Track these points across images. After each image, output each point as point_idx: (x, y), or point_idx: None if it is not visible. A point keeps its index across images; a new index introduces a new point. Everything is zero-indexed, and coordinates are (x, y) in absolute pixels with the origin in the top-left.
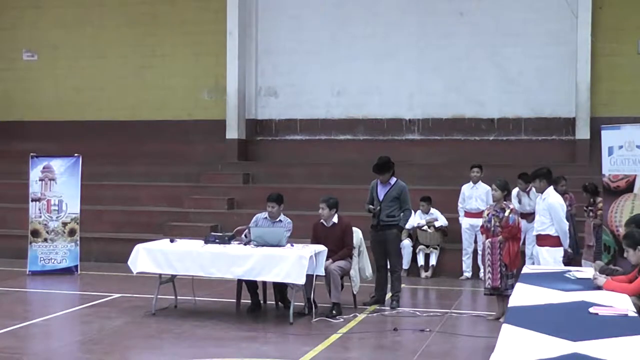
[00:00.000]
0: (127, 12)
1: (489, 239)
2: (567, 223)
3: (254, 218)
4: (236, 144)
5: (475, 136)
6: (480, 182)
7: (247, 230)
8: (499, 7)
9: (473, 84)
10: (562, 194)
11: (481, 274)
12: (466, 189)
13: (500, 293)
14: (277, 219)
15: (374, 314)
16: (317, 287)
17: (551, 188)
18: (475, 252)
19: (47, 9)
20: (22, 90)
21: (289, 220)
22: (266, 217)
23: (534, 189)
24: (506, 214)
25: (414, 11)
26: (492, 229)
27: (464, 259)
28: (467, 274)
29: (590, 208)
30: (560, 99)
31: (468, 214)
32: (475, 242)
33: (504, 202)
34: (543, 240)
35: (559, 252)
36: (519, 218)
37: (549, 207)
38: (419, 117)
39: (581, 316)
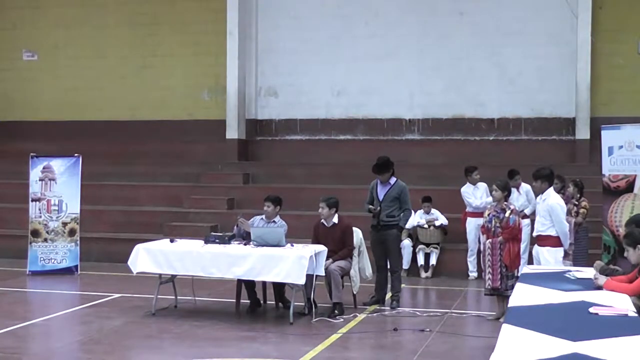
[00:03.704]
0: (127, 12)
1: (489, 240)
2: (568, 224)
3: (252, 219)
4: (236, 144)
5: (475, 136)
6: (479, 182)
7: (240, 223)
8: (499, 7)
9: (473, 84)
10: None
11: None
12: (470, 190)
13: (500, 293)
14: (272, 220)
15: (374, 314)
16: (317, 287)
17: (551, 189)
18: (479, 252)
19: (47, 9)
20: (22, 90)
21: (284, 222)
22: (262, 218)
23: (522, 186)
24: (506, 214)
25: (414, 11)
26: (493, 229)
27: (469, 259)
28: (473, 274)
29: (573, 201)
30: (560, 99)
31: (472, 214)
32: (479, 241)
33: (505, 203)
34: (544, 240)
35: (559, 252)
36: (520, 219)
37: (550, 209)
38: (419, 117)
39: (581, 316)
